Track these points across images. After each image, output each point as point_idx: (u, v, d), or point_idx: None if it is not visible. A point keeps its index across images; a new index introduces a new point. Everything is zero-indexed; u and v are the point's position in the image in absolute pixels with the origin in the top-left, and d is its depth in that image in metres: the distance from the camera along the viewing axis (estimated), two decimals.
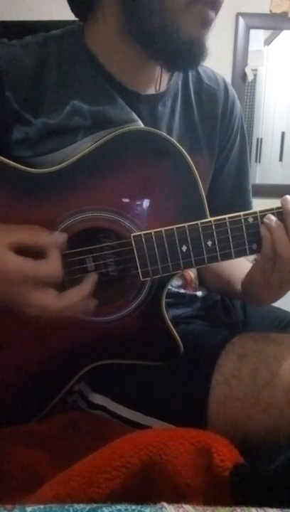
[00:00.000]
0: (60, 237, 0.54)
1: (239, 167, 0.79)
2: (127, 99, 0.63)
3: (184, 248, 0.57)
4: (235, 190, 0.80)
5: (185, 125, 0.69)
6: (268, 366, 0.56)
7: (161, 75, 0.67)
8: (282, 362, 0.56)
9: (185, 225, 0.57)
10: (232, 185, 0.79)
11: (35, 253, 0.52)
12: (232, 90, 0.76)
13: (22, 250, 0.52)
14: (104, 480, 0.45)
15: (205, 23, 0.57)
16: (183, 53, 0.58)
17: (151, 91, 0.66)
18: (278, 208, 0.58)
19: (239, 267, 0.73)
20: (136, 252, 0.57)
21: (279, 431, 0.54)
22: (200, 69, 0.72)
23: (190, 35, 0.56)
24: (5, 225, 0.52)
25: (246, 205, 0.81)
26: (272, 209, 0.58)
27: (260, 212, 0.58)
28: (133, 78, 0.64)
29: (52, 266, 0.52)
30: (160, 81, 0.67)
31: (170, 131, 0.67)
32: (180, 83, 0.70)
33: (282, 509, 0.37)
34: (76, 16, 0.65)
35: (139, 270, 0.58)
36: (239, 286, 0.71)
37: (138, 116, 0.64)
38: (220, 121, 0.73)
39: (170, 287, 0.73)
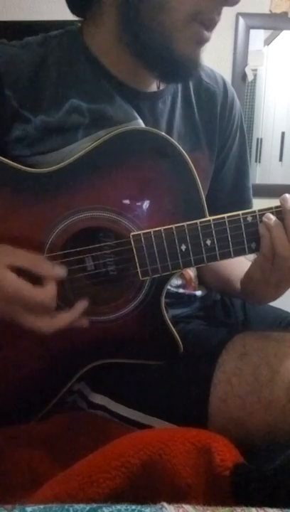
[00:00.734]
0: (60, 270, 0.55)
1: (239, 165, 0.79)
2: (127, 96, 0.63)
3: (183, 247, 0.57)
4: (235, 188, 0.80)
5: (185, 122, 0.70)
6: (269, 364, 0.56)
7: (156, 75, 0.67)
8: (283, 360, 0.56)
9: (184, 224, 0.57)
10: (232, 183, 0.79)
11: (33, 279, 0.53)
12: (231, 89, 0.76)
13: (21, 274, 0.52)
14: (104, 480, 0.44)
15: (200, 42, 0.58)
16: (176, 68, 0.60)
17: (151, 88, 0.67)
18: (277, 207, 0.58)
19: (239, 265, 0.73)
20: (135, 252, 0.57)
21: (280, 429, 0.54)
22: None
23: (184, 53, 0.58)
24: (10, 247, 0.53)
25: (247, 203, 0.81)
26: (271, 208, 0.58)
27: (259, 211, 0.58)
28: (133, 77, 0.64)
29: (47, 294, 0.52)
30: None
31: (170, 129, 0.67)
32: None
33: (282, 509, 0.37)
34: (75, 15, 0.65)
35: (138, 269, 0.58)
36: (238, 285, 0.71)
37: (138, 113, 0.64)
38: (219, 120, 0.73)
39: (169, 287, 0.73)
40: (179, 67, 0.59)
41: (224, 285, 0.77)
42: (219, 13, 0.57)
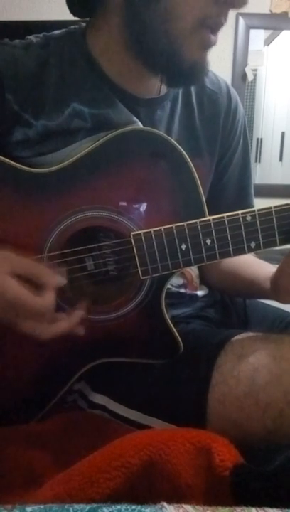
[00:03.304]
0: (60, 279, 0.55)
1: (241, 171, 0.79)
2: (126, 102, 0.63)
3: (183, 247, 0.57)
4: (238, 194, 0.80)
5: (185, 128, 0.69)
6: (267, 366, 0.56)
7: (162, 80, 0.67)
8: (281, 362, 0.56)
9: (184, 223, 0.57)
10: (234, 190, 0.79)
11: (33, 285, 0.53)
12: (234, 94, 0.76)
13: (22, 280, 0.52)
14: (104, 480, 0.44)
15: (207, 47, 0.58)
16: (184, 73, 0.59)
17: (151, 95, 0.66)
18: (276, 207, 0.58)
19: (260, 267, 0.74)
20: (135, 251, 0.57)
21: (278, 431, 0.54)
22: None
23: (192, 59, 0.57)
24: (12, 254, 0.53)
25: (249, 208, 0.81)
26: (270, 208, 0.58)
27: (258, 210, 0.58)
28: (133, 83, 0.64)
29: (46, 302, 0.52)
30: (161, 85, 0.67)
31: (169, 135, 0.67)
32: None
33: (282, 509, 0.37)
34: (77, 17, 0.65)
35: (139, 269, 0.58)
36: (265, 285, 0.70)
37: (137, 119, 0.64)
38: (222, 126, 0.73)
39: (170, 287, 0.73)
40: (186, 72, 0.59)
41: (247, 287, 0.75)
42: (225, 16, 0.57)
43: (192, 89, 0.70)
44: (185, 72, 0.59)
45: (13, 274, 0.51)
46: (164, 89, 0.67)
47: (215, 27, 0.56)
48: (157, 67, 0.60)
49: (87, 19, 0.65)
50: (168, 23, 0.55)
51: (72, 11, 0.65)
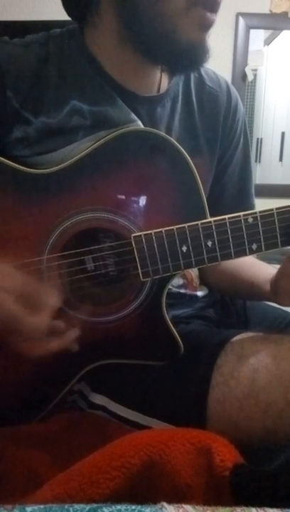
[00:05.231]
0: (56, 300, 0.54)
1: (242, 170, 0.79)
2: (126, 100, 0.63)
3: (184, 248, 0.57)
4: (238, 193, 0.79)
5: (185, 127, 0.69)
6: (267, 367, 0.56)
7: (161, 77, 0.67)
8: (281, 363, 0.56)
9: (186, 225, 0.57)
10: (235, 189, 0.79)
11: (29, 304, 0.52)
12: (234, 93, 0.76)
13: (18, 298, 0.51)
14: (104, 480, 0.44)
15: (205, 26, 0.57)
16: (185, 57, 0.59)
17: (151, 93, 0.66)
18: (278, 209, 0.58)
19: (259, 268, 0.74)
20: (136, 253, 0.57)
21: (279, 432, 0.54)
22: (202, 70, 0.72)
23: (190, 40, 0.57)
24: (9, 269, 0.52)
25: (249, 208, 0.81)
26: (272, 209, 0.58)
27: (260, 212, 0.58)
28: (133, 80, 0.64)
29: (40, 323, 0.51)
30: (161, 82, 0.67)
31: (169, 133, 0.67)
32: (181, 84, 0.70)
33: (282, 509, 0.37)
34: (72, 18, 0.65)
35: (140, 270, 0.58)
36: (265, 287, 0.70)
37: (137, 117, 0.64)
38: (222, 124, 0.73)
39: (170, 287, 0.73)
40: (187, 55, 0.58)
41: (247, 289, 0.75)
42: None
43: (192, 87, 0.70)
44: (185, 55, 0.58)
45: (9, 291, 0.50)
46: (164, 87, 0.67)
47: (211, 5, 0.55)
48: (156, 56, 0.60)
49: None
50: (161, 3, 0.54)
51: (70, 14, 0.65)
